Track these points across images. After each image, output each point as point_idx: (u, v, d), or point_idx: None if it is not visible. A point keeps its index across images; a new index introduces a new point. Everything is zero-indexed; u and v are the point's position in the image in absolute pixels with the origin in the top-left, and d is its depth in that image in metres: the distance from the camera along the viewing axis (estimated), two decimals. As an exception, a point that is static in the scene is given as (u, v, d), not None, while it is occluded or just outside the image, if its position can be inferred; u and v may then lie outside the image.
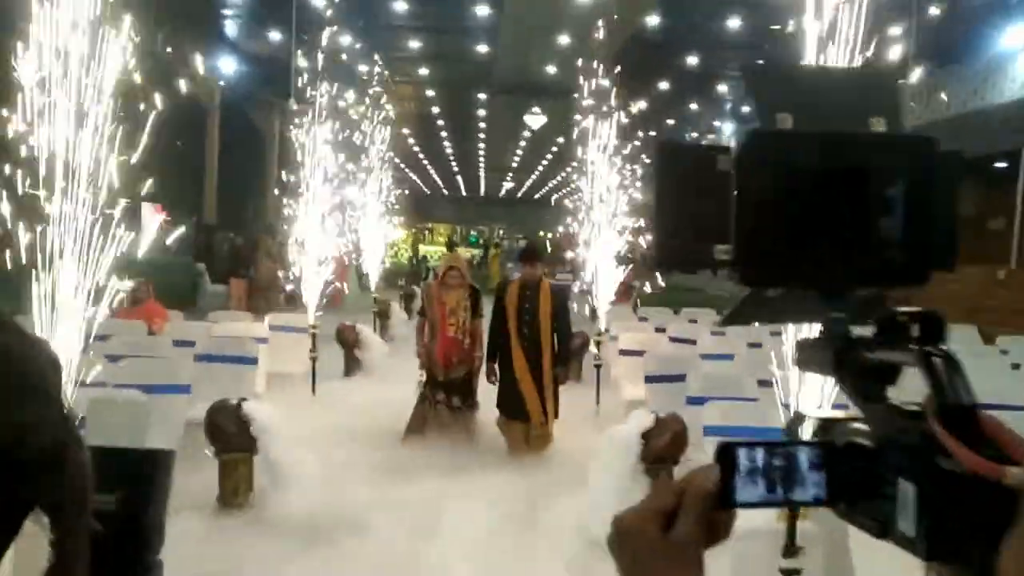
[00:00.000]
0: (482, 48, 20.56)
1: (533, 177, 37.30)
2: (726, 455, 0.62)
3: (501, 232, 42.07)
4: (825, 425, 0.68)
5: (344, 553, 3.97)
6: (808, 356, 0.71)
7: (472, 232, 46.59)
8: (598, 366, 7.76)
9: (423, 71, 22.95)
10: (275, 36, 18.28)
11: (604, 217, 8.14)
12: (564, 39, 16.18)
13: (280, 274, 10.84)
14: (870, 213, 0.66)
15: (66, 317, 3.03)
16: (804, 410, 0.72)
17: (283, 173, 8.19)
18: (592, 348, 8.03)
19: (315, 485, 4.39)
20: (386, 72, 13.17)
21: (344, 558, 3.93)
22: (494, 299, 6.09)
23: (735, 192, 0.66)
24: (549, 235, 29.49)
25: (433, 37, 20.55)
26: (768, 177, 0.66)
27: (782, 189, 0.66)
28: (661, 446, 4.48)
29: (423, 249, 36.25)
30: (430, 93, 24.99)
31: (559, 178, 30.24)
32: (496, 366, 5.97)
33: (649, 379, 5.95)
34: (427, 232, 47.42)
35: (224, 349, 5.82)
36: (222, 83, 18.98)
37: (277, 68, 17.43)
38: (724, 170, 0.66)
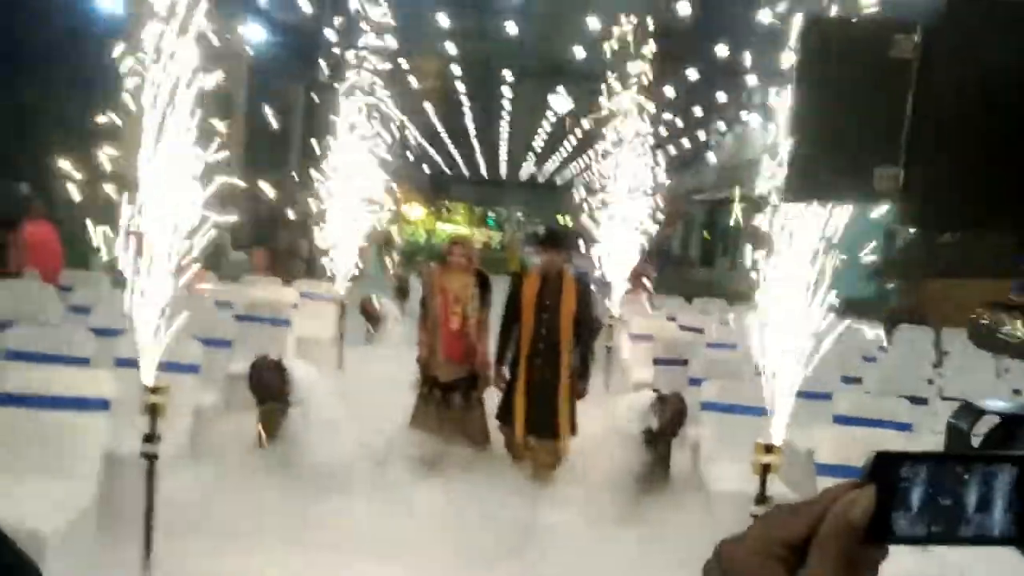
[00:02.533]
0: (511, 27, 20.74)
1: (555, 160, 37.39)
2: (885, 469, 0.46)
3: (520, 215, 42.19)
4: (1012, 423, 0.51)
5: (356, 494, 4.41)
6: (998, 339, 0.49)
7: (490, 213, 46.72)
8: (609, 348, 8.09)
9: (450, 47, 23.14)
10: (304, 6, 18.50)
11: (625, 204, 8.42)
12: (594, 22, 16.40)
13: (304, 244, 11.21)
14: None
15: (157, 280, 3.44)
16: (979, 402, 0.54)
17: (311, 144, 8.52)
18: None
19: (344, 435, 4.84)
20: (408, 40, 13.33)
21: (353, 498, 4.36)
22: (508, 292, 5.28)
23: (913, 90, 0.45)
24: (569, 219, 29.47)
25: (460, 13, 20.75)
26: (967, 69, 0.43)
27: (987, 87, 0.43)
28: (663, 421, 4.85)
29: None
30: (456, 71, 25.17)
31: (582, 162, 30.35)
32: (505, 370, 5.15)
33: (657, 362, 6.30)
34: (445, 211, 47.61)
35: (260, 311, 6.26)
36: (250, 51, 19.25)
37: (306, 39, 17.69)
38: (902, 58, 0.45)
